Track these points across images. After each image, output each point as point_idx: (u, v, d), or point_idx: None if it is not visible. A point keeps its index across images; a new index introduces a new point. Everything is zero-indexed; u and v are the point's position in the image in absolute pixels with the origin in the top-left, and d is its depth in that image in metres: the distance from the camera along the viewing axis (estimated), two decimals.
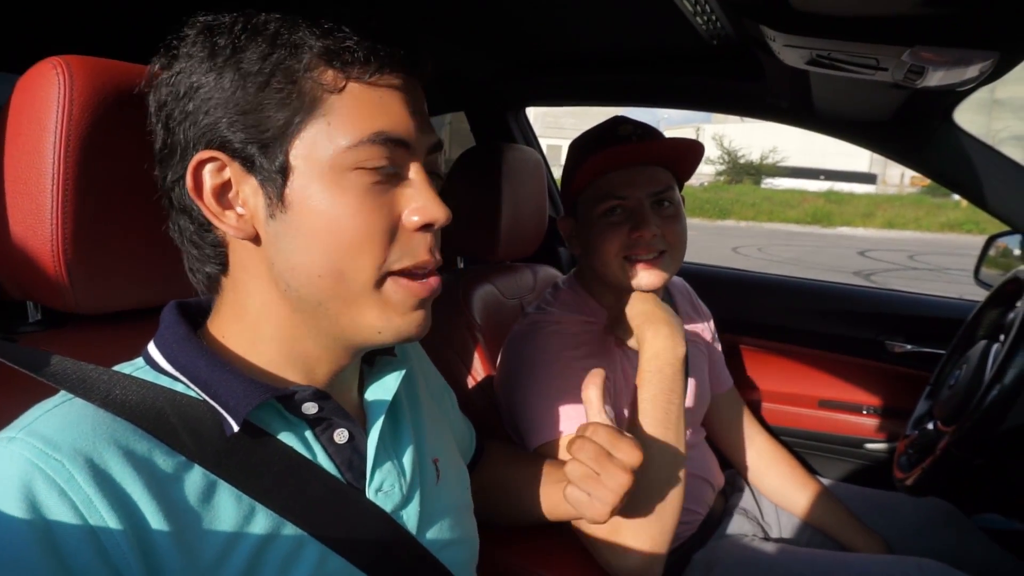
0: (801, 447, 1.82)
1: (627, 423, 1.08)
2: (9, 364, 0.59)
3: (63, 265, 0.70)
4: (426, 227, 0.63)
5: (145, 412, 0.57)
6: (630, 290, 1.22)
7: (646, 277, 1.20)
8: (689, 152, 1.21)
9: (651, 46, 1.50)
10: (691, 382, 1.40)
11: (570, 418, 1.12)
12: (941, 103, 1.32)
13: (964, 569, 1.21)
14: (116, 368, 0.63)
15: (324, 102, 0.59)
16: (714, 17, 1.14)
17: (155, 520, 0.54)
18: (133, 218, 0.75)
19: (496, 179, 1.51)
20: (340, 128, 0.59)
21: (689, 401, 1.39)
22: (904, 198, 26.87)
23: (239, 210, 0.62)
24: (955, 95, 1.29)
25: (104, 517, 0.51)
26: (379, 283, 0.62)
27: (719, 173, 34.92)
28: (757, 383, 1.86)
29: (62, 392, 0.58)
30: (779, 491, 1.53)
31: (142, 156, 0.75)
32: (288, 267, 0.61)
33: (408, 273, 0.63)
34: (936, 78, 0.90)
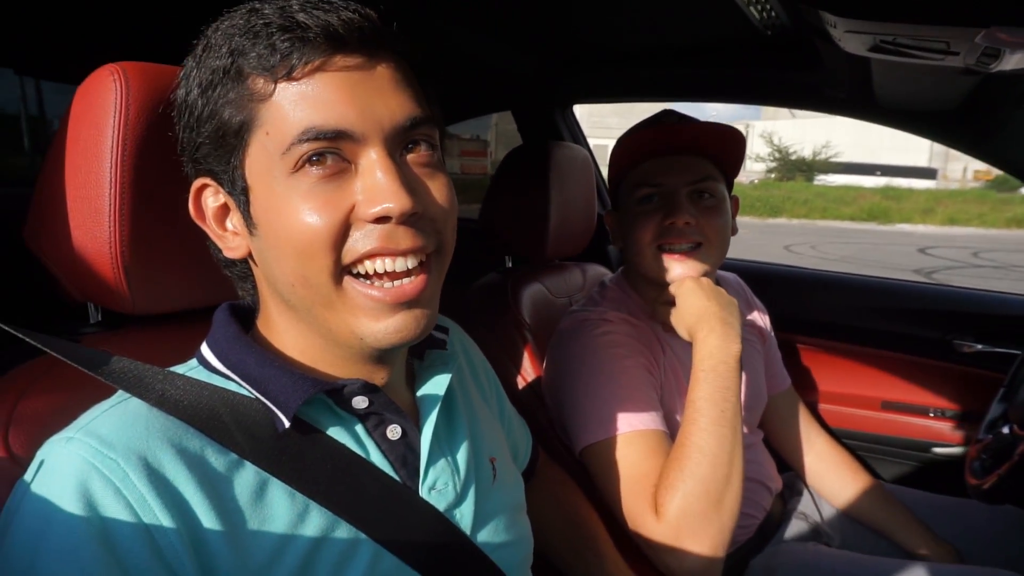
0: (863, 450, 1.75)
1: (681, 423, 1.05)
2: (72, 363, 0.60)
3: (121, 267, 0.71)
4: (382, 219, 0.58)
5: (198, 411, 0.58)
6: (664, 283, 1.20)
7: (679, 269, 1.18)
8: (727, 139, 1.17)
9: (702, 38, 1.46)
10: (744, 380, 1.36)
11: (619, 418, 1.09)
12: (1014, 89, 1.25)
13: None
14: (171, 369, 0.64)
15: (259, 112, 0.57)
16: (769, 5, 1.10)
17: (208, 519, 0.54)
18: (186, 220, 0.76)
19: (544, 178, 1.49)
20: (275, 134, 0.57)
21: (743, 400, 1.35)
22: (967, 193, 25.86)
23: (232, 229, 0.63)
24: None
25: (158, 516, 0.52)
26: (338, 282, 0.59)
27: (770, 170, 34.18)
28: (815, 383, 1.80)
29: (119, 392, 0.59)
30: (841, 495, 1.47)
31: None
32: (275, 279, 0.62)
33: (367, 276, 0.59)
34: (1013, 61, 0.85)
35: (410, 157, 0.61)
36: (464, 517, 0.69)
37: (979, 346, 1.68)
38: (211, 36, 0.59)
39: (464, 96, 2.02)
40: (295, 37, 0.55)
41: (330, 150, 0.57)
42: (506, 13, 1.43)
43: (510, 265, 1.69)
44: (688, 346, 1.29)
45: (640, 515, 1.02)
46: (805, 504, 1.49)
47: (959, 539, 1.37)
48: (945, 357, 1.72)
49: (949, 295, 1.87)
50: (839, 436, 1.72)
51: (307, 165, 0.57)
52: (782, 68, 1.44)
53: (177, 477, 0.54)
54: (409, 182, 0.59)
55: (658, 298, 1.24)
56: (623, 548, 1.03)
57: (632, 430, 1.08)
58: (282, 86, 0.56)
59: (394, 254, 0.59)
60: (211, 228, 0.64)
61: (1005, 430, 1.27)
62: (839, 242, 14.75)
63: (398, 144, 0.60)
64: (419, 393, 0.72)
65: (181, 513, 0.53)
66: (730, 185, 1.27)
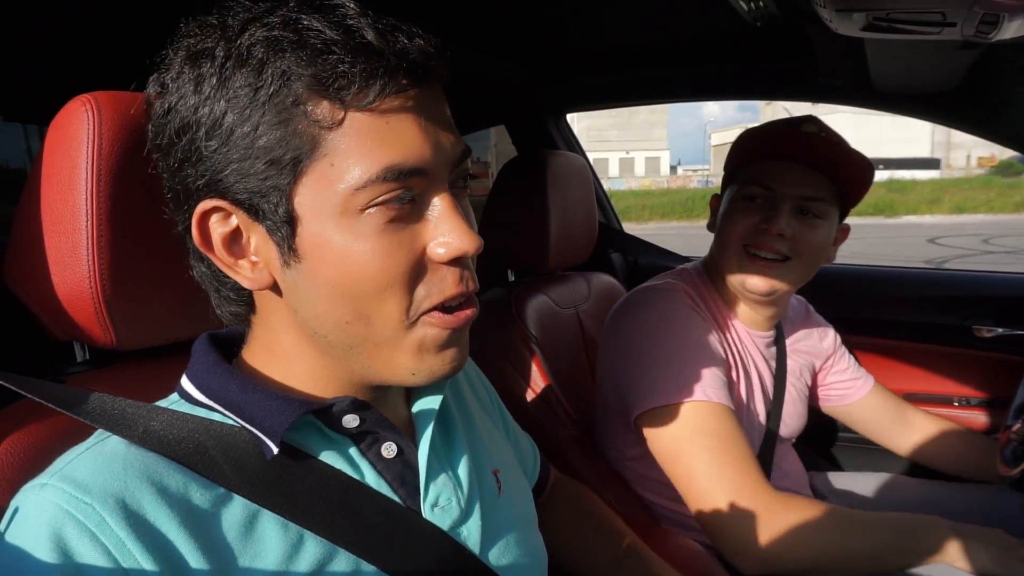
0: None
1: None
2: (48, 404, 0.58)
3: (102, 302, 0.69)
4: (455, 260, 0.56)
5: (182, 445, 0.55)
6: (739, 286, 1.19)
7: (758, 280, 1.16)
8: (857, 164, 1.14)
9: (692, 36, 1.44)
10: (789, 395, 1.33)
11: (693, 385, 1.07)
12: (1014, 63, 1.22)
13: None
14: (154, 405, 0.61)
15: (323, 140, 0.52)
16: None
17: (194, 559, 0.51)
18: (169, 250, 0.74)
19: (541, 188, 1.47)
20: (344, 168, 0.52)
21: (785, 412, 1.32)
22: (972, 180, 25.73)
23: (253, 258, 0.57)
24: None
25: (138, 559, 0.49)
26: (411, 325, 0.57)
27: None
28: None
29: (98, 432, 0.57)
30: (963, 459, 1.41)
31: None
32: (313, 315, 0.57)
33: (439, 307, 0.58)
34: (1012, 28, 0.82)
35: (459, 192, 0.59)
36: (471, 535, 0.66)
37: (999, 329, 1.63)
38: (240, 45, 0.51)
39: (456, 112, 2.01)
40: (374, 66, 0.50)
41: (407, 187, 0.54)
42: (492, 25, 1.42)
43: (512, 279, 1.66)
44: (757, 341, 1.28)
45: (724, 491, 1.02)
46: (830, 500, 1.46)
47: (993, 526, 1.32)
48: (965, 343, 1.68)
49: (963, 280, 1.83)
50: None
51: (376, 205, 0.53)
52: (775, 60, 1.42)
53: (159, 518, 0.51)
54: (469, 220, 0.58)
55: (734, 295, 1.24)
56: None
57: (705, 400, 1.06)
58: (354, 115, 0.52)
59: (467, 295, 0.59)
60: (220, 257, 0.57)
61: None
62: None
63: (454, 181, 0.58)
64: (415, 407, 0.69)
65: (164, 556, 0.50)
66: (844, 214, 1.24)
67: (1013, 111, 1.33)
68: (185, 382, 0.63)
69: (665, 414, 1.07)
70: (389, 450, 0.63)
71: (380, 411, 0.63)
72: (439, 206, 0.56)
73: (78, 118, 0.68)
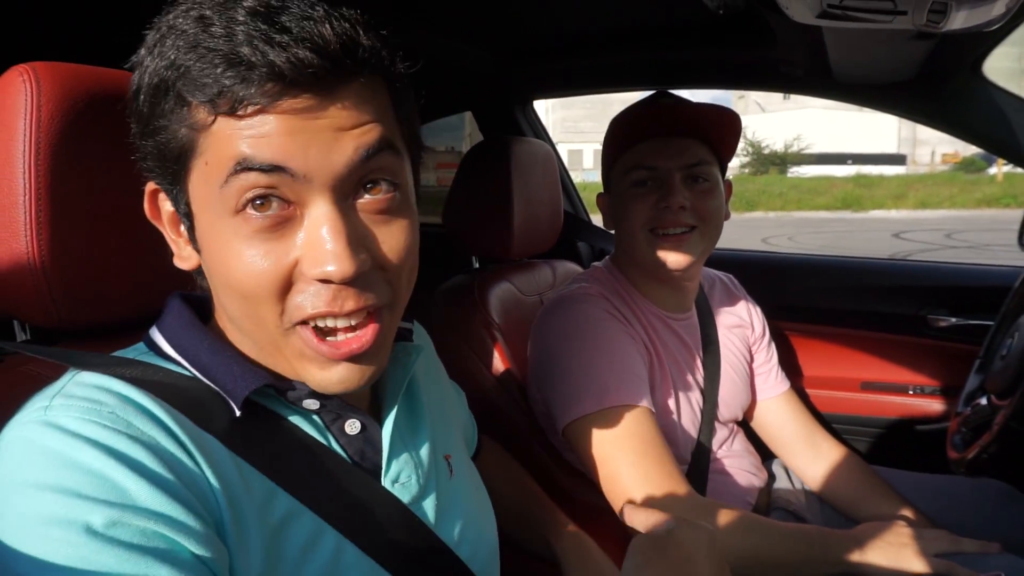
0: (846, 433, 1.73)
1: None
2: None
3: (43, 278, 0.67)
4: (326, 281, 0.54)
5: (162, 388, 0.57)
6: (657, 268, 1.19)
7: (673, 256, 1.17)
8: (723, 120, 1.17)
9: (656, 22, 1.44)
10: (726, 375, 1.34)
11: (609, 392, 1.08)
12: (969, 54, 1.24)
13: None
14: (118, 353, 0.62)
15: (199, 141, 0.53)
16: None
17: (208, 467, 0.54)
18: (116, 226, 0.72)
19: (505, 174, 1.46)
20: (213, 166, 0.53)
21: (723, 393, 1.33)
22: (936, 176, 26.28)
23: (186, 239, 0.60)
24: (983, 44, 1.22)
25: (175, 455, 0.52)
26: (287, 330, 0.56)
27: (743, 165, 34.54)
28: (792, 368, 1.78)
29: (68, 371, 0.57)
30: (855, 505, 1.35)
31: (119, 162, 0.73)
32: (221, 304, 0.60)
33: (315, 327, 0.56)
34: (960, 19, 0.83)
35: (363, 203, 0.56)
36: (428, 511, 0.68)
37: (953, 319, 1.67)
38: (163, 27, 0.53)
39: (422, 98, 1.99)
40: (238, 75, 0.50)
41: (272, 192, 0.52)
42: (457, 9, 1.40)
43: (477, 266, 1.66)
44: (676, 326, 1.28)
45: (643, 491, 1.02)
46: (786, 491, 1.47)
47: (944, 514, 1.35)
48: (920, 333, 1.71)
49: (919, 270, 1.87)
50: (820, 420, 1.70)
51: (250, 208, 0.53)
52: (738, 48, 1.43)
53: (177, 434, 0.54)
54: (358, 237, 0.54)
55: (650, 282, 1.25)
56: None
57: (621, 404, 1.07)
58: (223, 119, 0.52)
59: (338, 316, 0.56)
60: (167, 231, 0.61)
61: (983, 401, 1.26)
62: (815, 232, 14.89)
63: (351, 187, 0.55)
64: (383, 385, 0.70)
65: (189, 457, 0.53)
66: (723, 169, 1.26)
67: (967, 104, 1.36)
68: (155, 334, 0.63)
69: (588, 423, 1.09)
70: (352, 427, 0.64)
71: (343, 396, 0.63)
72: (314, 220, 0.54)
73: (16, 88, 0.66)
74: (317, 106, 0.52)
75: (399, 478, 0.65)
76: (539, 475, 1.15)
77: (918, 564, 1.00)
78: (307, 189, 0.53)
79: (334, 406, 0.63)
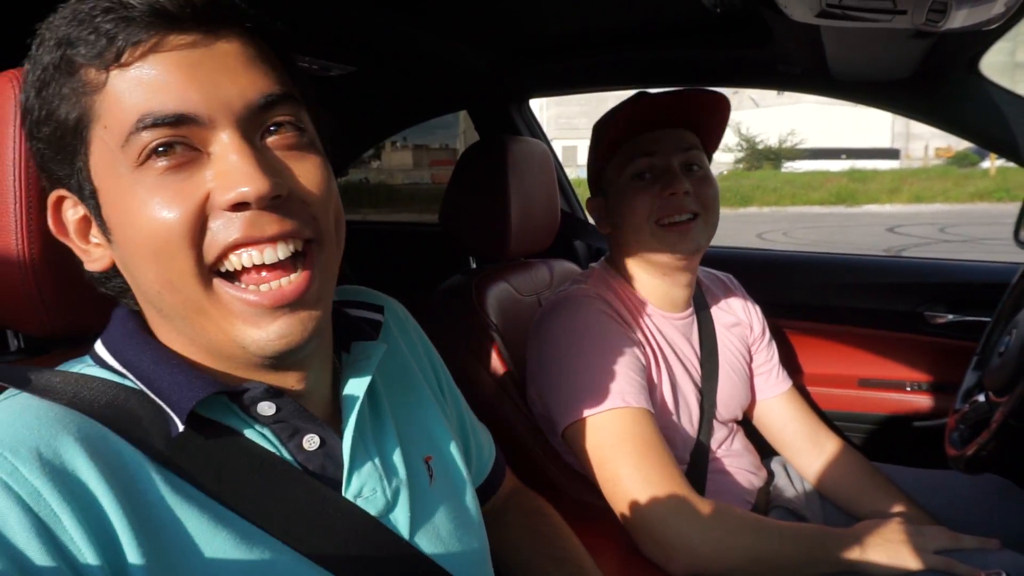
0: (844, 430, 1.73)
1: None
2: None
3: (33, 286, 0.66)
4: (240, 205, 0.52)
5: (95, 402, 0.54)
6: (664, 259, 1.19)
7: (680, 243, 1.18)
8: (716, 108, 1.18)
9: (653, 21, 1.43)
10: (724, 374, 1.34)
11: (608, 394, 1.08)
12: (966, 52, 1.24)
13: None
14: (63, 367, 0.60)
15: (94, 105, 0.52)
16: None
17: (114, 513, 0.49)
18: None
19: (502, 174, 1.46)
20: (112, 128, 0.52)
21: (722, 392, 1.33)
22: (930, 171, 26.35)
23: (94, 240, 0.58)
24: (980, 43, 1.21)
25: (55, 510, 0.47)
26: (206, 285, 0.54)
27: (738, 161, 34.56)
28: (790, 366, 1.78)
29: (6, 391, 0.55)
30: (858, 502, 1.35)
31: None
32: (141, 288, 0.57)
33: (237, 277, 0.54)
34: (960, 18, 0.83)
35: (271, 140, 0.55)
36: (400, 524, 0.64)
37: (950, 316, 1.67)
38: (43, 30, 0.54)
39: (418, 97, 1.99)
40: (119, 18, 0.50)
41: (176, 139, 0.51)
42: (454, 8, 1.39)
43: (474, 266, 1.65)
44: (674, 325, 1.28)
45: (644, 492, 1.02)
46: (786, 490, 1.47)
47: (943, 510, 1.35)
48: (918, 330, 1.71)
49: (916, 267, 1.87)
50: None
51: (153, 157, 0.51)
52: (735, 47, 1.42)
53: (78, 468, 0.49)
54: (270, 164, 0.53)
55: (649, 281, 1.24)
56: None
57: (621, 406, 1.07)
58: (114, 74, 0.51)
59: (260, 242, 0.53)
60: (74, 243, 0.59)
61: (981, 398, 1.26)
62: (810, 227, 14.93)
63: (255, 127, 0.54)
64: (343, 391, 0.65)
65: (84, 507, 0.48)
66: (710, 158, 1.27)
67: (964, 101, 1.36)
68: (99, 346, 0.61)
69: (587, 425, 1.08)
70: (311, 442, 0.60)
71: (302, 402, 0.61)
72: (222, 152, 0.52)
73: (5, 95, 0.65)
74: (205, 41, 0.52)
75: (362, 492, 0.62)
76: (538, 477, 1.15)
77: (918, 561, 1.00)
78: (211, 131, 0.52)
79: (290, 411, 0.59)
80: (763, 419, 1.46)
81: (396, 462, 0.66)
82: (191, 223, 0.52)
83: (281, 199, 0.53)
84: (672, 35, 1.47)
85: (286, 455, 0.59)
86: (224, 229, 0.52)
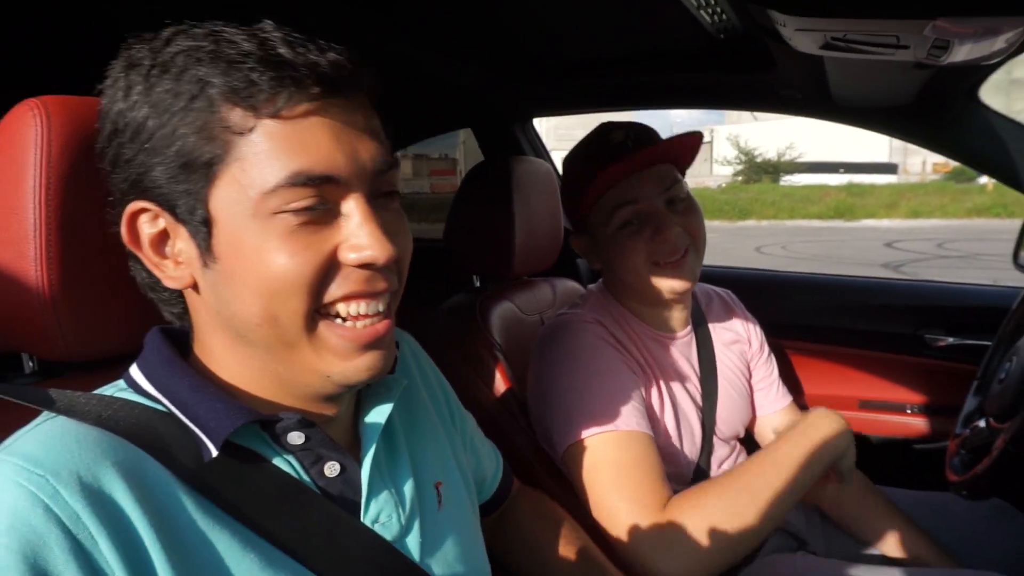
0: None
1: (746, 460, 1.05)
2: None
3: (52, 311, 0.67)
4: (366, 266, 0.58)
5: (133, 427, 0.55)
6: (660, 295, 1.20)
7: (676, 282, 1.18)
8: (690, 148, 1.19)
9: (656, 46, 1.45)
10: (724, 392, 1.34)
11: (605, 417, 1.08)
12: (966, 81, 1.26)
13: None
14: (98, 391, 0.61)
15: (235, 146, 0.55)
16: (719, 9, 1.10)
17: (148, 537, 0.51)
18: (122, 259, 0.72)
19: (507, 193, 1.47)
20: (254, 173, 0.54)
21: (722, 410, 1.33)
22: (928, 186, 26.42)
23: (178, 258, 0.60)
24: (980, 71, 1.23)
25: (93, 534, 0.48)
26: (310, 325, 0.58)
27: (736, 174, 34.68)
28: (790, 386, 1.79)
29: (44, 413, 0.56)
30: (858, 521, 1.38)
31: None
32: (230, 314, 0.59)
33: (342, 318, 0.59)
34: (962, 53, 0.85)
35: (384, 203, 0.61)
36: (412, 549, 0.67)
37: (950, 339, 1.68)
38: (165, 54, 0.55)
39: (423, 115, 2.00)
40: (282, 76, 0.53)
41: (319, 203, 0.55)
42: (457, 29, 1.41)
43: (478, 284, 1.66)
44: (673, 346, 1.28)
45: (623, 522, 1.02)
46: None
47: (944, 534, 1.36)
48: (918, 352, 1.72)
49: (916, 289, 1.88)
50: None
51: (292, 213, 0.55)
52: (737, 71, 1.44)
53: (115, 492, 0.51)
54: (388, 228, 0.59)
55: (647, 305, 1.25)
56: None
57: (619, 430, 1.07)
58: (266, 124, 0.54)
59: (371, 297, 0.59)
60: (147, 256, 0.60)
61: (981, 423, 1.26)
62: (808, 241, 14.95)
63: (375, 191, 0.59)
64: (363, 420, 0.69)
65: (119, 530, 0.49)
66: (683, 173, 1.27)
67: (964, 128, 1.37)
68: (135, 372, 0.62)
69: (582, 448, 1.09)
70: (332, 469, 0.63)
71: (326, 429, 0.64)
72: (353, 212, 0.57)
73: (26, 123, 0.66)
74: (347, 106, 0.57)
75: (379, 518, 0.65)
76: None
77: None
78: (345, 191, 0.57)
79: (317, 442, 0.62)
80: (764, 435, 1.47)
81: (410, 488, 0.69)
82: (317, 274, 0.56)
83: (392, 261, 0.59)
84: (676, 60, 1.48)
85: (307, 480, 0.62)
86: (344, 282, 0.58)
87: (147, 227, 0.59)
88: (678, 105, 1.76)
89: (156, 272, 0.60)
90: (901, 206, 20.56)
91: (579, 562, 0.95)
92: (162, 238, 0.59)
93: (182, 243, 0.59)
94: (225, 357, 0.62)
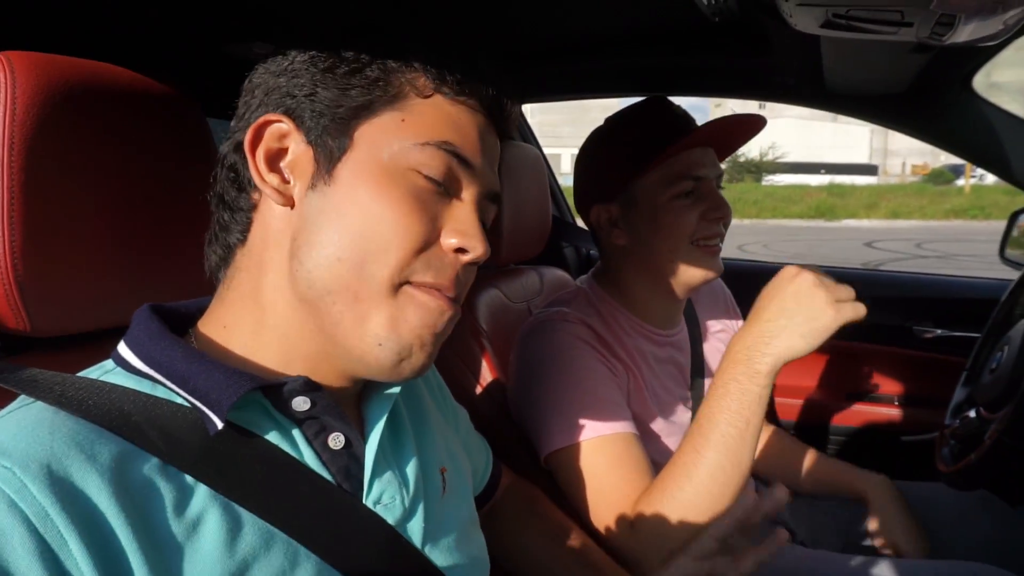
0: (832, 443, 1.74)
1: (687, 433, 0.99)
2: None
3: (13, 283, 0.63)
4: (460, 251, 0.61)
5: (106, 412, 0.52)
6: (691, 278, 1.18)
7: (714, 263, 1.18)
8: (753, 129, 1.19)
9: (647, 27, 1.42)
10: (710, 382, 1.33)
11: (585, 423, 1.05)
12: (960, 69, 1.25)
13: (1010, 561, 1.13)
14: (83, 372, 0.58)
15: (407, 100, 0.60)
16: None
17: (124, 534, 0.47)
18: (93, 227, 0.69)
19: None
20: (413, 126, 0.59)
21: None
22: (907, 187, 26.81)
23: (285, 175, 0.61)
24: (976, 58, 1.22)
25: (62, 532, 0.45)
26: (396, 287, 0.58)
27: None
28: (778, 378, 1.78)
29: (20, 398, 0.53)
30: (779, 464, 1.46)
31: (100, 159, 0.69)
32: (311, 242, 0.58)
33: (429, 287, 0.60)
34: (967, 32, 0.82)
35: (485, 204, 0.66)
36: (414, 533, 0.64)
37: (939, 331, 1.68)
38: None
39: None
40: (471, 68, 0.62)
41: (450, 171, 0.60)
42: (443, 11, 1.37)
43: None
44: (664, 342, 1.26)
45: (612, 524, 0.99)
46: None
47: (932, 525, 1.35)
48: (907, 344, 1.72)
49: (906, 281, 1.88)
50: (805, 430, 1.70)
51: (422, 176, 0.59)
52: (731, 55, 1.41)
53: (88, 487, 0.47)
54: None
55: (646, 298, 1.22)
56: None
57: (599, 435, 1.04)
58: (439, 98, 0.61)
59: (449, 291, 0.61)
60: (257, 165, 0.60)
61: (972, 414, 1.26)
62: (790, 240, 15.10)
63: (485, 205, 0.65)
64: (367, 401, 0.67)
65: (92, 528, 0.46)
66: None
67: (956, 118, 1.36)
68: (123, 349, 0.59)
69: (566, 455, 1.06)
70: (336, 441, 0.61)
71: (334, 400, 0.61)
72: (467, 202, 0.62)
73: None
74: (493, 136, 0.66)
75: (382, 499, 0.62)
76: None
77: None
78: (470, 181, 0.62)
79: (324, 407, 0.60)
80: None
81: (414, 471, 0.67)
82: (423, 242, 0.59)
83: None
84: (667, 42, 1.45)
85: (310, 453, 0.60)
86: (439, 266, 0.60)
87: (269, 139, 0.60)
88: (670, 91, 1.72)
89: (258, 180, 0.60)
90: (881, 207, 20.85)
91: (570, 554, 0.93)
92: (278, 154, 0.61)
93: (300, 162, 0.60)
94: (242, 316, 0.61)
